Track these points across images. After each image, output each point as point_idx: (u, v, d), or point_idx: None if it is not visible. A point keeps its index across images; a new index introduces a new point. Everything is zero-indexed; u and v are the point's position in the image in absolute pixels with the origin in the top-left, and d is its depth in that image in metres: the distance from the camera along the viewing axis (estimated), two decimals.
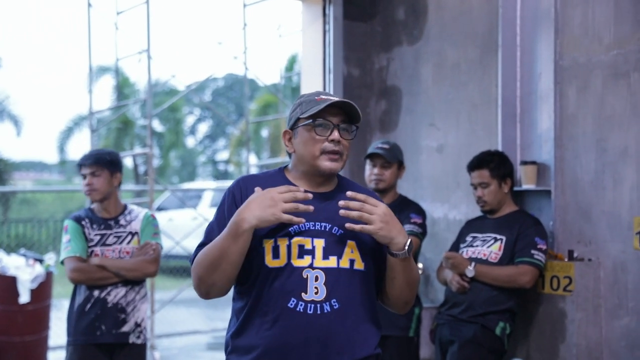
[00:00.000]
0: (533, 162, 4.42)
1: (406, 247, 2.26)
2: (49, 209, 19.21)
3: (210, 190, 15.72)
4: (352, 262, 2.31)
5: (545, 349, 4.20)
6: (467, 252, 4.17)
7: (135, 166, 22.47)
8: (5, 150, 28.80)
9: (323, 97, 2.34)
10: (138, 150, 18.88)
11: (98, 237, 3.92)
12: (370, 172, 4.21)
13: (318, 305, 2.25)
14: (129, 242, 3.97)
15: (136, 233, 4.00)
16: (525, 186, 4.43)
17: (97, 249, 3.91)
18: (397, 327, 4.09)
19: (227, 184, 18.20)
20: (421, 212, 4.25)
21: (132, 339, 3.91)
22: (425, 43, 5.41)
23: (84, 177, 3.96)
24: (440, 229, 5.18)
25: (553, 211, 4.29)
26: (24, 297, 5.85)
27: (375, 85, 5.78)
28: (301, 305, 2.24)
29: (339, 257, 2.30)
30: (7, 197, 16.56)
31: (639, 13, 3.99)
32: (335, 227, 2.30)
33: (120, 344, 3.89)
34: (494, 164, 4.16)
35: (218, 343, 8.18)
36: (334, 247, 2.29)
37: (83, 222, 3.93)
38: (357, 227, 2.23)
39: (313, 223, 2.29)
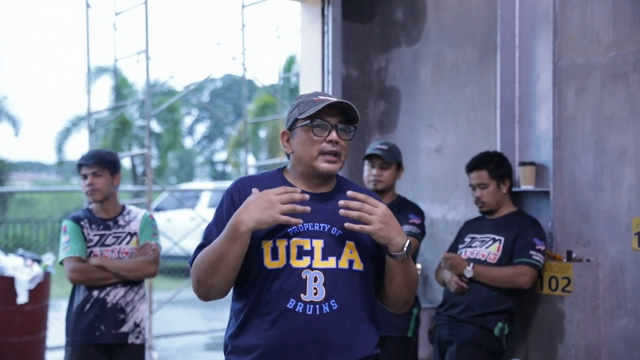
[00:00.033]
0: (532, 163, 4.42)
1: (405, 249, 2.26)
2: (46, 209, 19.20)
3: (208, 191, 15.71)
4: (351, 262, 2.31)
5: (544, 349, 4.20)
6: (465, 252, 4.18)
7: (134, 167, 22.46)
8: (3, 151, 28.82)
9: (321, 97, 2.34)
10: (136, 150, 18.89)
11: (97, 238, 3.92)
12: (368, 172, 4.21)
13: (317, 306, 2.25)
14: (128, 243, 3.97)
15: (135, 233, 4.00)
16: (524, 187, 4.44)
17: (96, 250, 3.90)
18: (395, 327, 4.09)
19: (225, 184, 18.25)
20: (420, 213, 4.25)
21: (131, 339, 3.91)
22: (424, 44, 5.41)
23: (85, 177, 3.95)
24: (439, 230, 5.19)
25: (552, 212, 4.29)
26: (22, 298, 5.85)
27: (374, 86, 5.78)
28: (300, 306, 2.24)
29: (338, 257, 2.30)
30: (5, 197, 16.55)
31: (637, 14, 3.99)
32: (334, 228, 2.31)
33: (119, 344, 3.89)
34: (492, 165, 4.16)
35: (216, 343, 8.18)
36: (333, 248, 2.30)
37: (82, 223, 3.93)
38: (356, 227, 2.23)
39: (312, 224, 2.29)
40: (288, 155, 2.43)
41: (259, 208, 2.17)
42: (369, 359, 2.33)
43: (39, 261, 6.15)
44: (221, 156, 36.38)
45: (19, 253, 6.29)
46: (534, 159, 4.47)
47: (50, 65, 53.19)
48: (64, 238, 3.90)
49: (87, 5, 7.55)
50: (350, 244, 2.31)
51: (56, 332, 7.24)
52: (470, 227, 4.32)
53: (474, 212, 4.49)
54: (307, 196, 2.23)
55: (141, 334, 3.96)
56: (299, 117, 2.34)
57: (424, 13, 5.41)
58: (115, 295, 3.89)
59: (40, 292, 6.01)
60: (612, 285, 4.06)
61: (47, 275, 6.09)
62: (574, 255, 4.17)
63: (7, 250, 8.67)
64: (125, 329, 3.90)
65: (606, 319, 4.08)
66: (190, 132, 37.69)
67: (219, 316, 9.63)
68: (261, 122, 21.15)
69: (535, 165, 4.42)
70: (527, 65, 4.57)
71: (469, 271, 4.01)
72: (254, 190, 2.24)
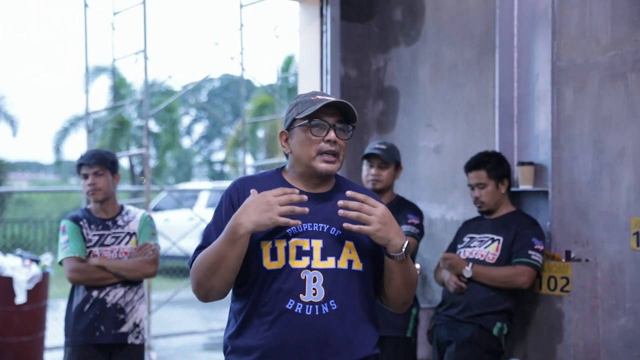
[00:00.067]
0: (530, 163, 4.42)
1: (403, 249, 2.26)
2: (44, 209, 19.20)
3: (206, 191, 15.71)
4: (350, 262, 2.31)
5: (543, 349, 4.20)
6: (464, 252, 4.18)
7: (132, 167, 22.43)
8: (0, 151, 28.78)
9: (319, 97, 2.34)
10: (134, 150, 18.88)
11: (96, 238, 3.92)
12: (367, 172, 4.21)
13: (316, 306, 2.25)
14: (127, 243, 3.97)
15: (134, 233, 4.00)
16: (523, 187, 4.44)
17: (96, 250, 3.90)
18: (394, 327, 4.09)
19: (224, 184, 18.25)
20: (418, 213, 4.25)
21: (130, 339, 3.91)
22: (423, 44, 5.41)
23: (86, 176, 3.94)
24: (438, 230, 5.19)
25: (550, 212, 4.29)
26: (21, 298, 5.85)
27: (373, 86, 5.78)
28: (299, 306, 2.24)
29: (337, 257, 2.30)
30: (3, 197, 16.53)
31: (636, 14, 4.00)
32: (333, 228, 2.30)
33: (119, 345, 3.89)
34: (491, 165, 4.16)
35: (214, 344, 8.18)
36: (332, 248, 2.29)
37: (81, 223, 3.93)
38: (355, 227, 2.23)
39: (311, 224, 2.29)
40: (287, 155, 2.42)
41: (258, 210, 2.17)
42: (368, 359, 2.33)
43: (37, 261, 6.15)
44: (219, 156, 36.37)
45: (17, 253, 6.29)
46: (532, 158, 4.47)
47: (48, 65, 53.16)
48: (62, 238, 3.89)
49: (85, 5, 7.55)
50: (349, 244, 2.31)
51: (55, 332, 7.24)
52: (469, 227, 4.32)
53: (473, 212, 4.49)
54: (305, 197, 2.22)
55: (140, 334, 3.96)
56: (297, 117, 2.33)
57: (422, 13, 5.41)
58: (114, 295, 3.89)
59: (38, 292, 6.00)
60: (611, 285, 4.06)
61: (45, 276, 6.09)
62: (572, 255, 4.17)
63: (5, 250, 8.67)
64: (124, 329, 3.90)
65: (605, 318, 4.08)
66: (188, 132, 37.67)
67: (217, 316, 9.63)
68: (259, 122, 21.14)
69: (534, 165, 4.42)
70: (526, 65, 4.57)
71: (467, 271, 4.01)
72: (253, 191, 2.24)
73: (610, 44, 4.09)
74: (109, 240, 3.94)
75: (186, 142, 36.67)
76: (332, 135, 2.30)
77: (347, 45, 5.74)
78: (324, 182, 2.38)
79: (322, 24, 5.76)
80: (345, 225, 2.24)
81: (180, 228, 11.83)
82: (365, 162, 4.24)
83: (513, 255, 4.04)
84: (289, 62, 20.47)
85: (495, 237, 4.11)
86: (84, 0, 7.56)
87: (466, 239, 4.24)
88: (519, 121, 4.61)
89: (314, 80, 5.76)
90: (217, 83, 37.64)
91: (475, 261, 4.07)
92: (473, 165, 4.20)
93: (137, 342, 3.94)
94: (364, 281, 2.34)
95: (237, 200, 2.34)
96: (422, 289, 5.24)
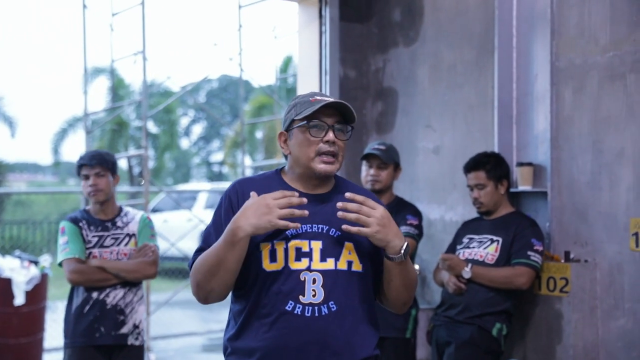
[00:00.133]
0: (529, 164, 4.42)
1: (402, 251, 2.25)
2: (43, 210, 19.18)
3: (205, 192, 15.71)
4: (349, 263, 2.31)
5: (542, 350, 4.20)
6: (463, 253, 4.17)
7: (130, 167, 22.43)
8: None
9: (317, 97, 2.34)
10: (133, 151, 18.87)
11: (96, 239, 3.92)
12: (366, 173, 4.21)
13: (316, 307, 2.25)
14: (126, 244, 3.97)
15: (133, 235, 3.99)
16: (522, 187, 4.44)
17: (95, 251, 3.90)
18: (393, 328, 4.09)
19: (222, 185, 18.22)
20: (417, 214, 4.25)
21: (130, 340, 3.90)
22: (422, 44, 5.41)
23: (87, 177, 3.93)
24: (437, 231, 5.19)
25: (549, 212, 4.29)
26: (19, 299, 5.85)
27: (372, 86, 5.78)
28: (299, 307, 2.24)
29: (337, 259, 2.29)
30: (2, 198, 16.51)
31: (634, 14, 4.00)
32: (332, 229, 2.30)
33: (118, 346, 3.89)
34: (490, 166, 4.16)
35: (213, 345, 8.18)
36: (332, 249, 2.29)
37: (80, 224, 3.92)
38: (354, 229, 2.22)
39: (310, 225, 2.29)
40: (286, 157, 2.42)
41: (257, 213, 2.17)
42: None
43: (36, 262, 6.14)
44: (218, 157, 36.37)
45: (15, 254, 6.28)
46: (531, 159, 4.47)
47: (47, 66, 53.14)
48: (62, 239, 3.88)
49: (84, 6, 7.55)
50: (348, 245, 2.31)
51: (53, 333, 7.24)
52: (468, 227, 4.31)
53: (472, 213, 4.49)
54: (305, 200, 2.22)
55: (140, 335, 3.96)
56: (296, 118, 2.33)
57: (421, 13, 5.41)
58: (114, 296, 3.89)
59: (37, 293, 6.00)
60: (610, 285, 4.06)
61: (44, 277, 6.08)
62: (571, 256, 4.17)
63: (4, 251, 8.66)
64: (124, 330, 3.89)
65: (604, 319, 4.08)
66: (187, 132, 37.65)
67: (216, 317, 9.62)
68: (258, 123, 21.15)
69: (533, 166, 4.42)
70: (525, 65, 4.57)
71: (467, 272, 4.01)
72: (252, 194, 2.23)
73: (609, 44, 4.09)
74: (108, 242, 3.93)
75: (184, 143, 36.66)
76: (330, 136, 2.30)
77: (346, 46, 5.74)
78: (323, 183, 2.37)
79: (321, 24, 5.76)
80: (344, 227, 2.24)
81: (179, 229, 11.83)
82: (364, 162, 4.24)
83: (512, 256, 4.03)
84: (287, 62, 20.47)
85: (495, 237, 4.11)
86: (82, 1, 7.56)
87: (465, 240, 4.24)
88: (518, 122, 4.61)
89: (313, 81, 5.77)
90: (215, 84, 37.63)
91: (475, 262, 4.07)
92: (472, 166, 4.19)
93: (137, 343, 3.94)
94: (363, 282, 2.34)
95: (236, 201, 2.33)
96: (421, 289, 5.24)
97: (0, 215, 16.05)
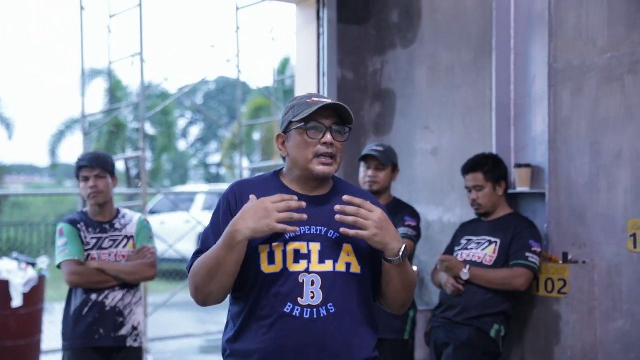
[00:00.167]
0: (527, 165, 4.43)
1: (401, 253, 2.25)
2: (40, 212, 19.14)
3: (202, 194, 15.71)
4: (348, 265, 2.31)
5: (540, 351, 4.20)
6: (461, 254, 4.18)
7: (127, 169, 22.43)
8: None
9: (315, 99, 2.33)
10: (130, 153, 18.86)
11: (94, 241, 3.91)
12: (364, 174, 4.21)
13: (314, 309, 2.25)
14: (125, 246, 3.96)
15: (132, 237, 3.99)
16: (520, 189, 4.44)
17: (94, 253, 3.89)
18: (392, 329, 4.08)
19: (220, 187, 18.20)
20: (415, 215, 4.25)
21: (129, 342, 3.90)
22: (419, 46, 5.41)
23: (86, 179, 3.93)
24: (435, 232, 5.18)
25: (547, 214, 4.29)
26: (17, 301, 5.84)
27: (370, 88, 5.78)
28: (297, 310, 2.24)
29: (335, 260, 2.29)
30: None
31: (632, 16, 4.00)
32: (331, 231, 2.30)
33: (117, 348, 3.89)
34: (488, 167, 4.16)
35: (211, 346, 8.17)
36: (330, 251, 2.29)
37: (78, 226, 3.91)
38: (352, 232, 2.22)
39: (308, 227, 2.28)
40: (284, 158, 2.42)
41: (256, 217, 2.17)
42: None
43: (33, 264, 6.13)
44: (215, 159, 36.37)
45: (13, 256, 6.27)
46: (529, 160, 4.48)
47: (45, 67, 53.10)
48: (60, 241, 3.87)
49: (82, 8, 7.55)
50: (347, 247, 2.31)
51: (51, 335, 7.22)
52: (466, 229, 4.31)
53: (470, 214, 4.49)
54: (304, 204, 2.22)
55: (139, 337, 3.96)
56: (293, 120, 2.33)
57: (419, 15, 5.41)
58: (113, 298, 3.88)
59: (34, 295, 5.99)
60: (608, 287, 4.06)
61: (41, 279, 6.07)
62: (569, 257, 4.18)
63: (1, 253, 8.66)
64: (123, 332, 3.89)
65: (602, 320, 4.08)
66: (184, 134, 37.65)
67: (213, 319, 9.61)
68: (255, 125, 21.15)
69: (531, 167, 4.42)
70: (523, 67, 4.57)
71: (465, 273, 4.01)
72: (252, 197, 2.23)
73: (607, 45, 4.10)
74: (106, 244, 3.93)
75: (182, 145, 36.67)
76: (328, 137, 2.30)
77: (344, 47, 5.74)
78: (321, 184, 2.37)
79: (318, 26, 5.76)
80: (342, 230, 2.23)
81: (177, 231, 11.83)
82: (362, 163, 4.24)
83: (510, 257, 4.03)
84: (285, 64, 20.49)
85: (493, 239, 4.11)
86: (80, 3, 7.56)
87: (463, 241, 4.24)
88: (516, 123, 4.61)
89: (310, 82, 5.77)
90: (212, 86, 37.63)
91: (473, 263, 4.07)
92: (470, 167, 4.20)
93: (136, 345, 3.94)
94: (362, 284, 2.34)
95: (234, 204, 2.33)
96: (420, 291, 5.23)
97: None
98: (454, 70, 5.15)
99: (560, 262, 4.16)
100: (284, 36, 10.41)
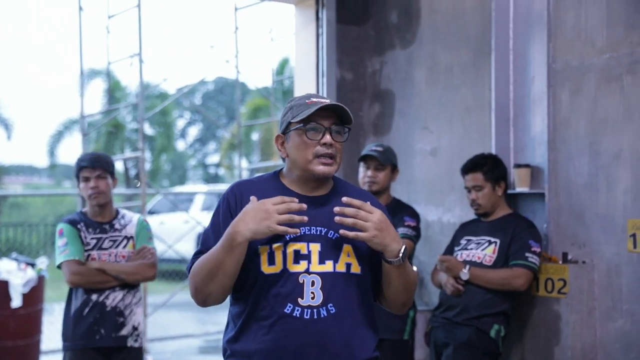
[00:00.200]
0: (527, 165, 4.43)
1: (400, 254, 2.25)
2: (39, 212, 19.13)
3: (201, 194, 15.71)
4: (348, 266, 2.31)
5: (540, 351, 4.20)
6: (461, 255, 4.18)
7: (126, 170, 22.42)
8: None
9: (314, 99, 2.33)
10: (129, 154, 18.85)
11: (94, 241, 3.91)
12: (363, 174, 4.21)
13: (315, 310, 2.25)
14: (124, 247, 3.97)
15: (131, 237, 3.99)
16: (519, 189, 4.44)
17: (94, 253, 3.89)
18: (391, 330, 4.08)
19: (218, 187, 18.18)
20: (415, 215, 4.25)
21: (130, 342, 3.91)
22: (418, 46, 5.42)
23: (87, 179, 3.93)
24: (434, 232, 5.19)
25: (547, 214, 4.30)
26: (16, 302, 5.84)
27: (369, 88, 5.78)
28: (298, 310, 2.24)
29: (335, 261, 2.29)
30: None
31: (631, 16, 4.01)
32: (330, 231, 2.30)
33: (118, 348, 3.89)
34: (487, 167, 4.16)
35: (210, 347, 8.18)
36: (330, 252, 2.29)
37: (78, 226, 3.92)
38: (351, 234, 2.22)
39: (308, 228, 2.28)
40: (283, 159, 2.42)
41: (256, 218, 2.17)
42: None
43: (32, 265, 6.13)
44: (214, 159, 36.36)
45: (12, 257, 6.27)
46: (528, 161, 4.48)
47: (43, 68, 53.07)
48: (60, 241, 3.87)
49: (80, 8, 7.54)
50: (347, 247, 2.31)
51: (50, 335, 7.23)
52: (465, 229, 4.32)
53: (470, 215, 4.49)
54: (304, 206, 2.22)
55: (139, 337, 3.96)
56: (292, 121, 2.33)
57: (418, 16, 5.42)
58: (114, 298, 3.89)
59: (34, 296, 5.99)
60: (608, 286, 4.07)
61: (41, 279, 6.07)
62: (569, 257, 4.18)
63: (1, 254, 8.65)
64: (124, 332, 3.89)
65: (602, 320, 4.09)
66: (183, 135, 37.65)
67: (213, 319, 9.62)
68: (254, 125, 21.15)
69: (530, 167, 4.43)
70: (522, 67, 4.58)
71: (464, 273, 4.01)
72: (253, 198, 2.23)
73: (606, 46, 4.10)
74: (106, 244, 3.93)
75: (181, 145, 36.67)
76: (327, 138, 2.30)
77: (343, 48, 5.74)
78: (321, 185, 2.37)
79: (317, 27, 5.76)
80: (341, 231, 2.24)
81: (176, 231, 11.83)
82: (361, 164, 4.24)
83: (510, 257, 4.04)
84: (284, 65, 20.47)
85: (492, 239, 4.11)
86: (78, 3, 7.56)
87: (463, 242, 4.24)
88: (515, 123, 4.61)
89: (310, 83, 5.77)
90: (211, 86, 37.63)
91: (472, 263, 4.07)
92: (469, 167, 4.20)
93: (136, 345, 3.94)
94: (362, 284, 2.34)
95: (234, 204, 2.33)
96: (419, 291, 5.24)
97: None
98: (453, 70, 5.15)
99: (560, 262, 4.16)
100: (283, 37, 10.39)
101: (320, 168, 2.30)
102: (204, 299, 2.30)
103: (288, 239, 2.26)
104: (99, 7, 10.68)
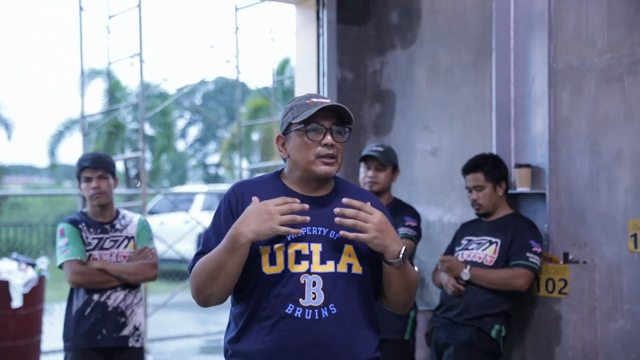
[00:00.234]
0: (527, 165, 4.43)
1: (401, 255, 2.25)
2: (39, 213, 19.14)
3: (201, 194, 15.71)
4: (349, 266, 2.31)
5: (541, 351, 4.20)
6: (462, 255, 4.18)
7: (127, 170, 22.42)
8: None
9: (314, 100, 2.33)
10: (129, 154, 18.86)
11: (95, 241, 3.92)
12: (364, 174, 4.21)
13: (316, 310, 2.25)
14: (125, 247, 3.97)
15: (132, 237, 4.00)
16: (520, 189, 4.44)
17: (95, 253, 3.89)
18: (392, 330, 4.08)
19: (219, 187, 18.17)
20: (416, 215, 4.25)
21: (131, 342, 3.91)
22: (419, 46, 5.41)
23: (89, 180, 3.93)
24: (435, 232, 5.19)
25: (548, 214, 4.30)
26: (17, 302, 5.84)
27: (369, 88, 5.78)
28: (299, 311, 2.24)
29: (337, 261, 2.29)
30: None
31: (632, 16, 4.01)
32: (332, 232, 2.30)
33: (120, 348, 3.89)
34: (488, 167, 4.16)
35: (211, 347, 8.18)
36: (332, 252, 2.29)
37: (80, 226, 3.92)
38: (351, 235, 2.22)
39: (310, 228, 2.28)
40: (285, 159, 2.42)
41: (259, 219, 2.17)
42: None
43: (33, 265, 6.13)
44: (214, 159, 36.36)
45: (13, 257, 6.27)
46: (529, 161, 4.48)
47: (43, 68, 53.08)
48: (61, 241, 3.87)
49: (81, 9, 7.54)
50: (348, 247, 2.31)
51: (51, 336, 7.23)
52: (466, 229, 4.32)
53: (470, 215, 4.49)
54: (306, 206, 2.21)
55: (140, 337, 3.96)
56: (293, 122, 2.32)
57: (418, 16, 5.42)
58: (115, 298, 3.89)
59: (34, 296, 5.99)
60: (609, 287, 4.06)
61: (41, 279, 6.08)
62: (570, 257, 4.18)
63: (1, 254, 8.65)
64: (125, 332, 3.90)
65: (603, 320, 4.08)
66: (183, 135, 37.65)
67: (213, 319, 9.62)
68: (254, 125, 21.16)
69: (531, 168, 4.43)
70: (522, 67, 4.58)
71: (465, 274, 4.01)
72: (254, 199, 2.23)
73: (607, 46, 4.10)
74: (107, 244, 3.93)
75: (181, 145, 36.67)
76: (329, 139, 2.29)
77: (343, 48, 5.74)
78: (323, 185, 2.37)
79: (318, 27, 5.76)
80: (341, 233, 2.23)
81: (176, 231, 11.84)
82: (362, 164, 4.24)
83: (511, 257, 4.04)
84: (284, 65, 20.47)
85: (493, 239, 4.11)
86: (79, 3, 7.55)
87: (464, 242, 4.24)
88: (516, 123, 4.61)
89: (310, 83, 5.77)
90: (211, 86, 37.63)
91: (473, 264, 4.07)
92: (470, 167, 4.20)
93: (138, 345, 3.94)
94: (363, 285, 2.34)
95: (235, 205, 2.33)
96: (420, 291, 5.24)
97: None
98: (453, 70, 5.15)
99: (561, 262, 4.16)
100: (283, 37, 10.39)
101: (321, 168, 2.30)
102: (205, 299, 2.30)
103: (289, 239, 2.26)
104: (99, 7, 10.67)
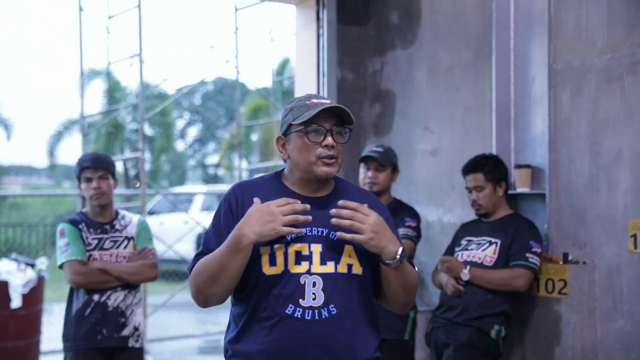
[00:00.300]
0: (527, 166, 4.43)
1: (398, 256, 2.25)
2: (38, 213, 19.13)
3: (201, 194, 15.71)
4: (350, 266, 2.31)
5: (541, 351, 4.20)
6: (462, 255, 4.18)
7: (126, 170, 22.42)
8: None
9: (314, 100, 2.33)
10: (129, 154, 18.86)
11: (95, 242, 3.91)
12: (364, 175, 4.21)
13: (316, 311, 2.25)
14: (125, 247, 3.97)
15: (132, 238, 4.00)
16: (520, 189, 4.44)
17: (95, 253, 3.89)
18: (392, 330, 4.08)
19: (218, 187, 18.16)
20: (416, 216, 4.25)
21: (131, 342, 3.91)
22: (419, 47, 5.41)
23: (89, 180, 3.92)
24: (435, 233, 5.19)
25: (547, 214, 4.30)
26: (16, 302, 5.84)
27: (369, 89, 5.78)
28: (299, 311, 2.24)
29: (337, 262, 2.29)
30: None
31: (632, 17, 4.01)
32: (332, 232, 2.29)
33: (120, 348, 3.89)
34: (488, 168, 4.16)
35: (210, 347, 8.17)
36: (332, 252, 2.29)
37: (80, 226, 3.91)
38: (348, 236, 2.22)
39: (310, 228, 2.28)
40: (285, 160, 2.41)
41: (261, 221, 2.17)
42: None
43: (32, 265, 6.13)
44: (213, 159, 36.35)
45: (12, 257, 6.27)
46: (529, 161, 4.48)
47: (43, 68, 53.09)
48: (62, 241, 3.86)
49: (80, 9, 7.54)
50: (349, 248, 2.31)
51: (50, 336, 7.22)
52: (466, 229, 4.31)
53: (470, 215, 4.49)
54: (308, 206, 2.22)
55: (140, 338, 3.96)
56: (293, 123, 2.32)
57: (418, 16, 5.42)
58: (115, 299, 3.89)
59: (34, 296, 5.99)
60: (609, 287, 4.06)
61: (40, 280, 6.07)
62: (570, 258, 4.18)
63: (0, 254, 8.64)
64: (125, 332, 3.90)
65: (602, 321, 4.08)
66: (182, 135, 37.65)
67: (213, 319, 9.61)
68: (254, 126, 21.16)
69: (531, 168, 4.43)
70: (522, 67, 4.57)
71: (465, 274, 4.01)
72: (256, 200, 2.23)
73: (607, 46, 4.10)
74: (107, 244, 3.93)
75: (180, 146, 36.67)
76: (329, 140, 2.29)
77: (343, 48, 5.74)
78: (323, 186, 2.37)
79: (318, 27, 5.76)
80: (338, 234, 2.24)
81: (175, 231, 11.83)
82: (362, 164, 4.24)
83: (511, 258, 4.03)
84: (284, 65, 20.47)
85: (493, 240, 4.11)
86: (78, 3, 7.55)
87: (464, 242, 4.24)
88: (516, 124, 4.61)
89: (310, 83, 5.76)
90: (211, 86, 37.63)
91: (473, 264, 4.07)
92: (470, 168, 4.20)
93: (137, 345, 3.94)
94: (363, 285, 2.34)
95: (235, 205, 2.33)
96: (420, 291, 5.23)
97: None
98: (453, 71, 5.15)
99: (561, 262, 4.16)
100: (283, 37, 10.38)
101: (322, 169, 2.30)
102: (205, 300, 2.30)
103: (289, 239, 2.26)
104: (99, 7, 10.69)
